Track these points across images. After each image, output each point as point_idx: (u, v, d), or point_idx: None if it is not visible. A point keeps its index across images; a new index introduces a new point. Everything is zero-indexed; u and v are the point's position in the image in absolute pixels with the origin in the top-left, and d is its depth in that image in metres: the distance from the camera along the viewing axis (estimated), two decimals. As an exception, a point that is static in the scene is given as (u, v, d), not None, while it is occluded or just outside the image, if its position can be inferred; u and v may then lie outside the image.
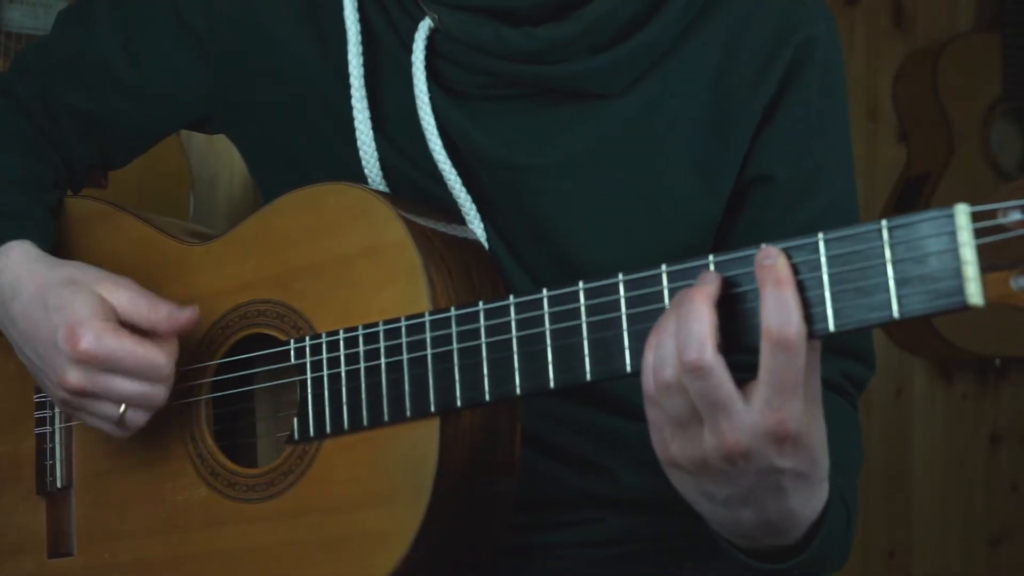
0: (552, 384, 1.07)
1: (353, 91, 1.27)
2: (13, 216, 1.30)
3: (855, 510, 1.17)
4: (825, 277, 0.94)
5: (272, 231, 1.25)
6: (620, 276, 1.03)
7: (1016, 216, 0.89)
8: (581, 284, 1.05)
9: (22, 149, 1.38)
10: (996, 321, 3.42)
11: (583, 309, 1.05)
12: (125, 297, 1.22)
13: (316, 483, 1.18)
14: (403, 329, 1.14)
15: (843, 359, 1.27)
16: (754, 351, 0.95)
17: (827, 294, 0.94)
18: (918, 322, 3.32)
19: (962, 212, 0.90)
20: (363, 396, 1.16)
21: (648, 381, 0.98)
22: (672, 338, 0.96)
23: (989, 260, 0.90)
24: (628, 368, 1.03)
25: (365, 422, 1.16)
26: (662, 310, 1.01)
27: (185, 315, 1.21)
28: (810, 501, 1.03)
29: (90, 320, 1.19)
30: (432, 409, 1.12)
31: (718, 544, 1.10)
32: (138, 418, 1.23)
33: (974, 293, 0.90)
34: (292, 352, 1.20)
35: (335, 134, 1.30)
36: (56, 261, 1.28)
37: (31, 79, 1.42)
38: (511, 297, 1.09)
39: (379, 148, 1.28)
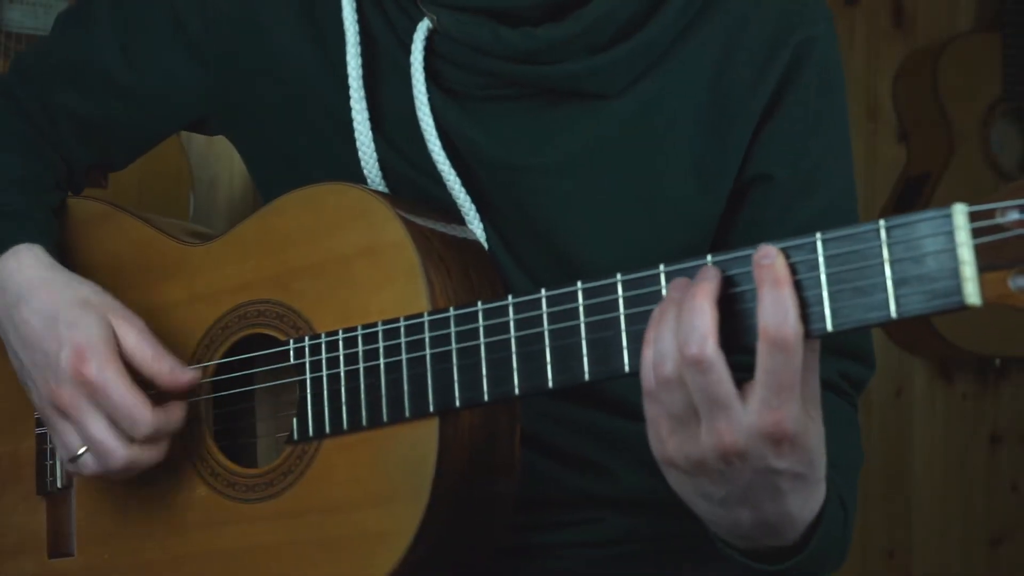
0: (551, 384, 1.07)
1: (352, 92, 1.27)
2: (13, 216, 1.30)
3: (853, 510, 1.17)
4: (823, 277, 0.94)
5: (272, 231, 1.25)
6: (618, 276, 1.03)
7: (1014, 216, 0.89)
8: (579, 284, 1.05)
9: (22, 150, 1.38)
10: (996, 321, 3.42)
11: (581, 309, 1.05)
12: (134, 337, 1.21)
13: (316, 483, 1.18)
14: (402, 329, 1.14)
15: (842, 359, 1.27)
16: (752, 351, 0.95)
17: (825, 294, 0.94)
18: (918, 322, 3.33)
19: (960, 212, 0.90)
20: (362, 396, 1.16)
21: (648, 376, 0.98)
22: (672, 333, 0.96)
23: (987, 260, 0.90)
24: (627, 368, 1.03)
25: (364, 422, 1.16)
26: (661, 310, 1.00)
27: (187, 375, 1.21)
28: (807, 502, 1.03)
29: (98, 346, 1.19)
30: (431, 409, 1.12)
31: (715, 545, 1.10)
32: (90, 467, 1.21)
33: (972, 293, 0.90)
34: (291, 352, 1.20)
35: (334, 134, 1.30)
36: (71, 277, 1.27)
37: (30, 81, 1.41)
38: (510, 297, 1.09)
39: (378, 148, 1.28)
